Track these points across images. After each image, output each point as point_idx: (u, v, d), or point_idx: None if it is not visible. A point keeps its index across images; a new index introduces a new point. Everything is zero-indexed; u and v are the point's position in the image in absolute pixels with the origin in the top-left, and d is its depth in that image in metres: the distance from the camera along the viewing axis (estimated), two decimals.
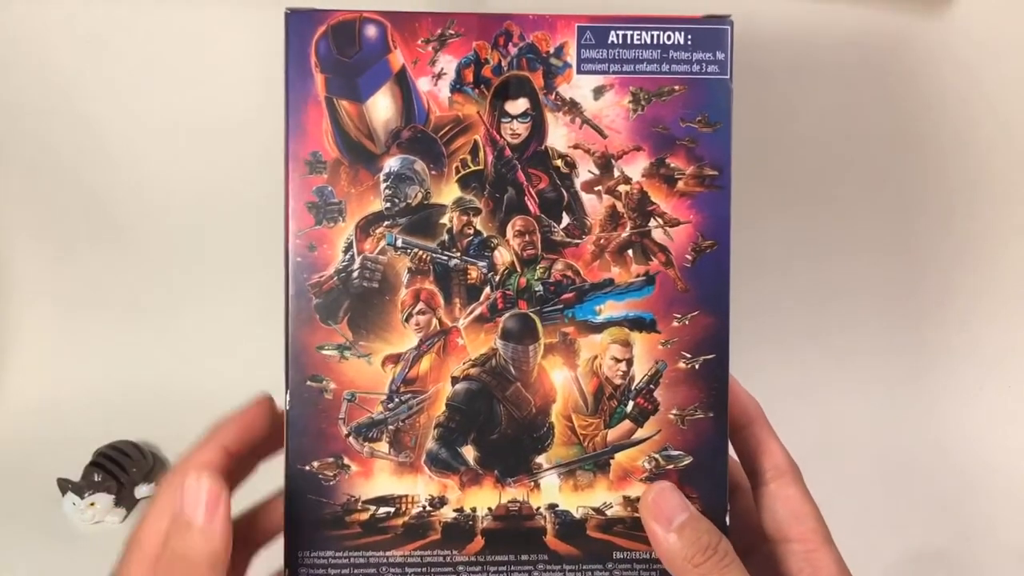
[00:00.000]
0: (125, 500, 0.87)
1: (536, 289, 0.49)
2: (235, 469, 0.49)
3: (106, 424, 0.91)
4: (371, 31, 0.48)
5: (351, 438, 0.49)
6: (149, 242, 0.93)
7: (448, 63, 0.48)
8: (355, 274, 0.48)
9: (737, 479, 0.54)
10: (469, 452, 0.50)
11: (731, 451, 0.52)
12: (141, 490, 0.88)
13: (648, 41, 0.49)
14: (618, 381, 0.50)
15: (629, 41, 0.49)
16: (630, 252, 0.49)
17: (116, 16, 0.83)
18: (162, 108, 0.87)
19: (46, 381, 0.96)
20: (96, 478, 0.85)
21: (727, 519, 0.50)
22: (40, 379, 0.96)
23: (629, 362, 0.50)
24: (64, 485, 0.85)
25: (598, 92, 0.49)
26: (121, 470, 0.86)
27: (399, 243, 0.49)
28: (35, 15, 0.83)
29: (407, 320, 0.49)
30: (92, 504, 0.84)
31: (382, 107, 0.48)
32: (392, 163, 0.48)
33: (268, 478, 0.54)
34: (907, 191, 0.92)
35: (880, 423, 0.94)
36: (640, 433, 0.50)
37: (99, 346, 0.96)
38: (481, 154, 0.49)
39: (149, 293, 0.95)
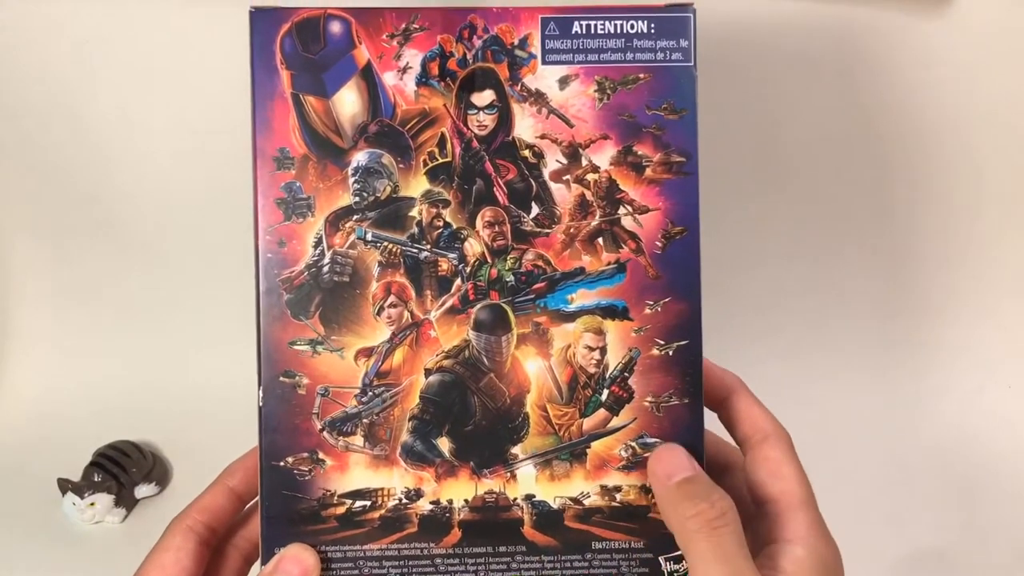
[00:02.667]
0: (125, 500, 0.87)
1: (507, 279, 0.49)
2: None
3: (106, 424, 0.91)
4: (336, 27, 0.48)
5: (325, 432, 0.49)
6: (148, 242, 0.94)
7: (413, 57, 0.49)
8: (325, 269, 0.49)
9: (732, 458, 0.53)
10: (444, 444, 0.50)
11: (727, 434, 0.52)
12: (141, 490, 0.89)
13: (612, 31, 0.49)
14: (592, 370, 0.50)
15: (593, 31, 0.49)
16: (600, 240, 0.50)
17: (112, 17, 0.83)
18: (159, 108, 0.88)
19: (46, 381, 0.96)
20: (96, 478, 0.85)
21: None
22: (40, 379, 0.97)
23: (603, 350, 0.50)
24: (64, 485, 0.86)
25: (563, 82, 0.49)
26: (121, 470, 0.87)
27: (369, 237, 0.49)
28: (32, 16, 0.83)
29: (379, 313, 0.49)
30: (92, 504, 0.85)
31: (348, 102, 0.48)
32: (360, 157, 0.49)
33: None
34: (907, 189, 0.91)
35: (880, 423, 0.94)
36: (616, 421, 0.50)
37: (98, 346, 0.96)
38: (448, 146, 0.49)
39: (148, 293, 0.96)
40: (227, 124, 0.84)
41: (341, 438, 0.49)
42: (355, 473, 0.49)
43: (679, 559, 0.49)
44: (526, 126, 0.49)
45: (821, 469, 0.88)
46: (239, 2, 0.80)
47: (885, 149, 0.89)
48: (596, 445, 0.50)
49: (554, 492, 0.50)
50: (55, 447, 0.91)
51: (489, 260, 0.49)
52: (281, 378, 0.49)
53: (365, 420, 0.49)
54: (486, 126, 0.49)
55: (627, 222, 0.49)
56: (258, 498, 0.50)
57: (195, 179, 0.90)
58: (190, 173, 0.90)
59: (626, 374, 0.50)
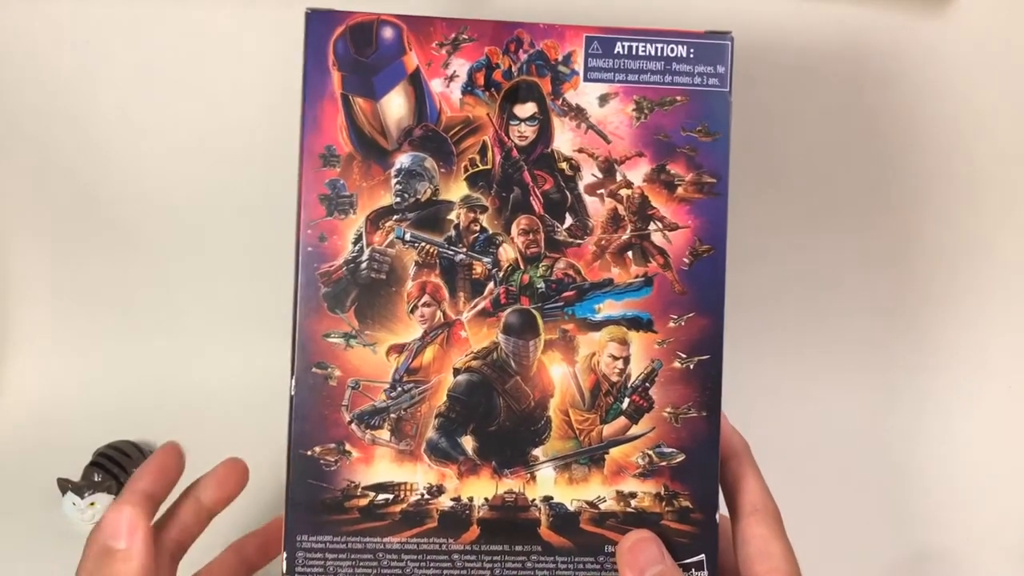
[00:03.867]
0: None
1: (538, 286, 0.51)
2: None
3: (106, 424, 0.91)
4: (388, 33, 0.50)
5: (353, 425, 0.50)
6: (149, 242, 0.94)
7: (460, 66, 0.50)
8: (363, 265, 0.50)
9: (722, 525, 0.54)
10: (468, 442, 0.51)
11: None
12: None
13: (652, 53, 0.51)
14: (615, 378, 0.51)
15: (634, 52, 0.51)
16: (630, 254, 0.51)
17: (115, 15, 0.84)
18: (161, 107, 0.88)
19: (46, 381, 0.96)
20: (96, 478, 0.85)
21: (717, 517, 0.51)
22: (40, 379, 0.96)
23: (626, 360, 0.51)
24: (64, 485, 0.85)
25: (603, 99, 0.51)
26: (121, 470, 0.87)
27: (407, 237, 0.50)
28: (34, 15, 0.84)
29: (412, 311, 0.50)
30: (92, 504, 0.85)
31: (396, 105, 0.50)
32: (403, 159, 0.50)
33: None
34: (906, 189, 0.92)
35: (879, 422, 0.95)
36: (635, 430, 0.52)
37: (99, 346, 0.96)
38: (489, 154, 0.51)
39: (149, 293, 0.96)
40: (228, 123, 0.85)
41: (368, 431, 0.50)
42: (380, 466, 0.50)
43: (689, 568, 0.51)
44: (565, 139, 0.51)
45: (821, 469, 0.89)
46: (240, 2, 0.82)
47: (884, 149, 0.90)
48: (614, 451, 0.52)
49: (571, 495, 0.51)
50: (55, 447, 0.91)
51: (522, 266, 0.51)
52: (314, 369, 0.50)
53: (393, 415, 0.50)
54: (526, 137, 0.51)
55: (657, 238, 0.51)
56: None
57: (196, 179, 0.91)
58: (191, 173, 0.91)
59: (647, 384, 0.51)
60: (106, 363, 0.97)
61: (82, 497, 0.85)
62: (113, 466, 0.87)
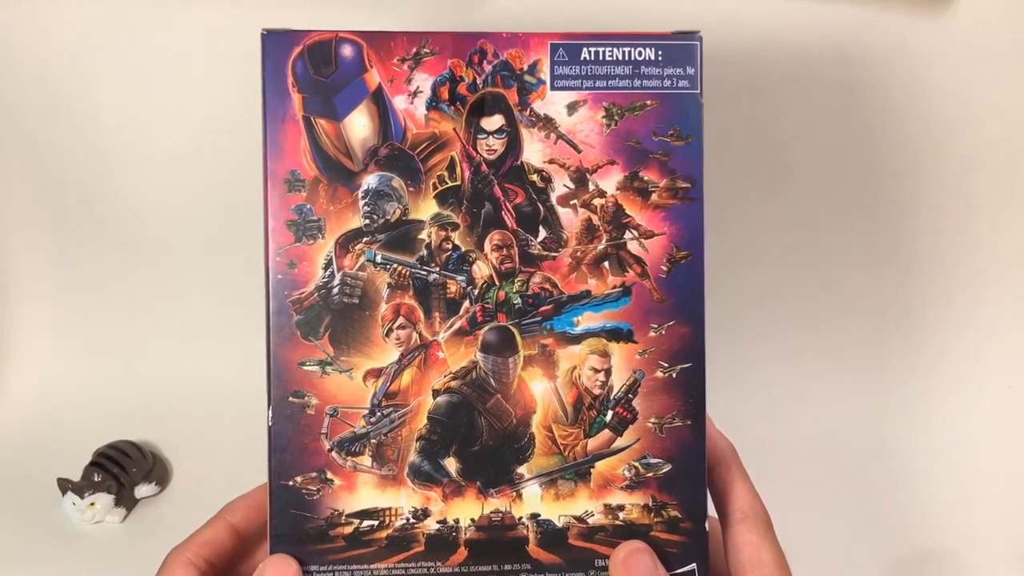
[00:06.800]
0: (125, 500, 0.87)
1: (514, 302, 0.50)
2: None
3: (106, 424, 0.91)
4: (347, 51, 0.49)
5: (334, 452, 0.50)
6: (148, 242, 0.94)
7: (424, 81, 0.49)
8: (335, 290, 0.49)
9: (711, 526, 0.54)
10: (451, 464, 0.50)
11: None
12: (141, 490, 0.89)
13: (620, 57, 0.49)
14: (597, 391, 0.51)
15: (601, 57, 0.49)
16: (606, 264, 0.50)
17: (115, 17, 0.83)
18: (162, 108, 0.87)
19: (46, 381, 0.97)
20: (96, 478, 0.86)
21: (706, 525, 0.51)
22: (40, 379, 0.97)
23: (607, 372, 0.51)
24: (64, 485, 0.86)
25: (572, 108, 0.49)
26: (121, 470, 0.87)
27: (378, 259, 0.49)
28: (32, 16, 0.83)
29: (388, 335, 0.50)
30: (92, 504, 0.85)
31: (359, 125, 0.49)
32: (370, 180, 0.49)
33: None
34: (905, 189, 0.92)
35: (879, 422, 0.95)
36: (620, 442, 0.51)
37: (98, 346, 0.97)
38: (458, 170, 0.50)
39: (149, 292, 0.96)
40: (227, 124, 0.84)
41: (349, 458, 0.50)
42: (363, 493, 0.50)
43: None
44: (534, 151, 0.50)
45: (820, 469, 0.89)
46: (239, 3, 0.81)
47: (882, 149, 0.90)
48: (600, 465, 0.51)
49: (559, 511, 0.51)
50: (55, 447, 0.91)
51: (497, 283, 0.50)
52: (290, 398, 0.49)
53: (373, 440, 0.50)
54: (495, 150, 0.50)
55: (633, 246, 0.50)
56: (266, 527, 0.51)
57: (195, 179, 0.91)
58: (190, 173, 0.90)
59: (630, 395, 0.51)
60: (106, 363, 0.97)
61: (82, 497, 0.85)
62: (113, 466, 0.87)
